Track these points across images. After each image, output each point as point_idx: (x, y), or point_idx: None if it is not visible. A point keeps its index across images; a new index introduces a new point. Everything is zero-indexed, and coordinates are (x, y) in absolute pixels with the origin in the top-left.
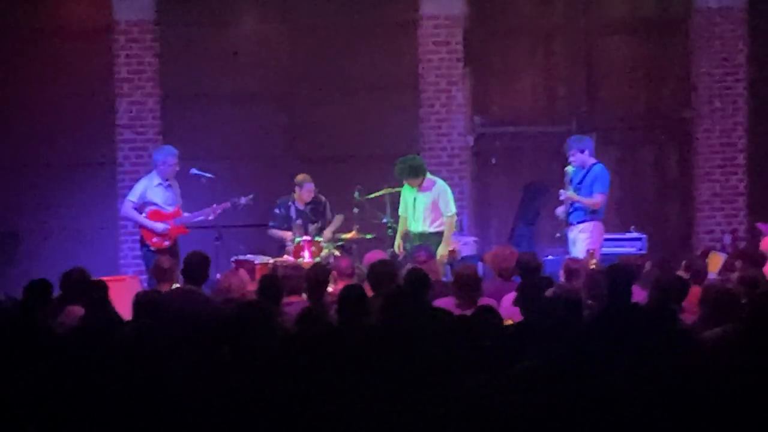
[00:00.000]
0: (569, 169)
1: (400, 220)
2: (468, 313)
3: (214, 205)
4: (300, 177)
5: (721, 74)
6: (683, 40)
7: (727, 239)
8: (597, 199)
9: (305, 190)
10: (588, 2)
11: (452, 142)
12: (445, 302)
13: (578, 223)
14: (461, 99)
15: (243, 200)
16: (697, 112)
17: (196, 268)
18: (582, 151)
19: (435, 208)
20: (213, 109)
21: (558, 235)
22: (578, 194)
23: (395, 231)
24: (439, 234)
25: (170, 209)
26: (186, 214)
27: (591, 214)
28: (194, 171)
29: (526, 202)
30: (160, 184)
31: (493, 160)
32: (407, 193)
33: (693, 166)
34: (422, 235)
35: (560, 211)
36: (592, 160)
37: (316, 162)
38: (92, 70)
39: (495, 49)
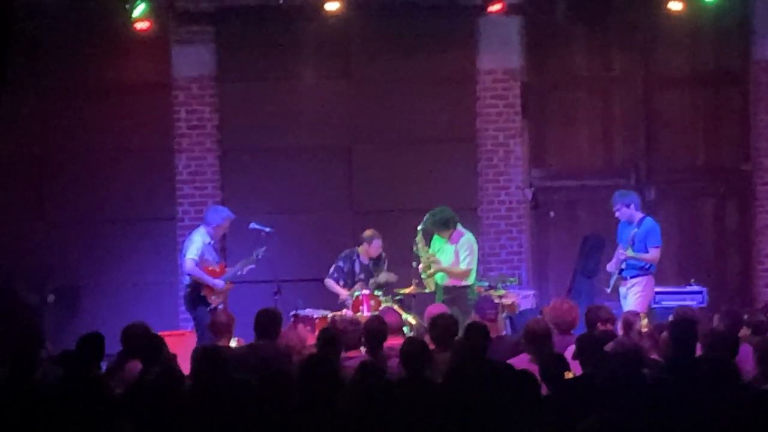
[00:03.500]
0: (633, 231)
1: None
2: None
3: (243, 260)
4: (369, 232)
5: None
6: (742, 92)
7: None
8: (653, 254)
9: (374, 246)
10: (646, 55)
11: (510, 196)
12: (520, 359)
13: (631, 278)
14: (519, 152)
15: (260, 252)
16: (756, 165)
17: (270, 323)
18: (627, 206)
19: (457, 262)
20: (272, 163)
21: (609, 290)
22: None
23: None
24: (461, 288)
25: (218, 267)
26: (228, 270)
27: (643, 269)
28: (254, 225)
29: (584, 255)
30: (210, 242)
31: (552, 214)
32: (436, 245)
33: (753, 219)
34: (446, 288)
35: (612, 266)
36: (640, 214)
37: (375, 215)
38: (152, 126)
39: (553, 103)
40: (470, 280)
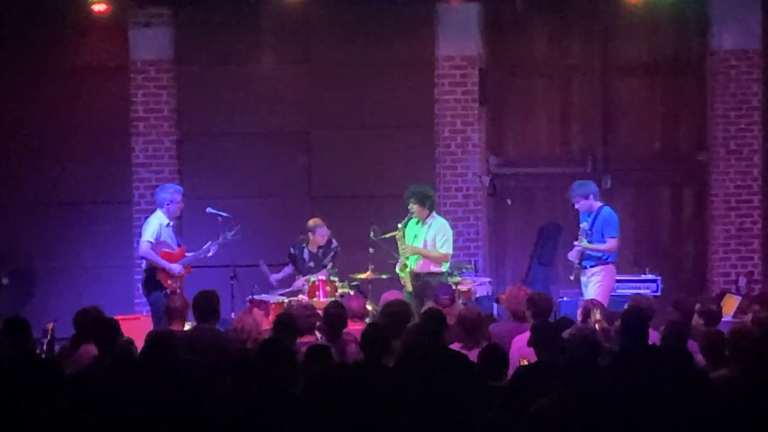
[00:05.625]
0: (584, 225)
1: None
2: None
3: (210, 243)
4: (312, 222)
5: (736, 116)
6: (699, 82)
7: (742, 281)
8: (610, 244)
9: (318, 235)
10: (604, 44)
11: (467, 183)
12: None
13: (591, 267)
14: (477, 139)
15: (230, 235)
16: (712, 154)
17: (207, 306)
18: (586, 197)
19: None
20: (229, 148)
21: (572, 278)
22: (589, 239)
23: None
24: (430, 275)
25: (177, 250)
26: (188, 254)
27: (602, 259)
28: (210, 210)
29: (541, 243)
30: (168, 224)
31: (509, 201)
32: (411, 230)
33: (708, 208)
34: (416, 276)
35: (573, 255)
36: (598, 204)
37: (332, 201)
38: (109, 109)
39: (511, 90)
40: (446, 266)
